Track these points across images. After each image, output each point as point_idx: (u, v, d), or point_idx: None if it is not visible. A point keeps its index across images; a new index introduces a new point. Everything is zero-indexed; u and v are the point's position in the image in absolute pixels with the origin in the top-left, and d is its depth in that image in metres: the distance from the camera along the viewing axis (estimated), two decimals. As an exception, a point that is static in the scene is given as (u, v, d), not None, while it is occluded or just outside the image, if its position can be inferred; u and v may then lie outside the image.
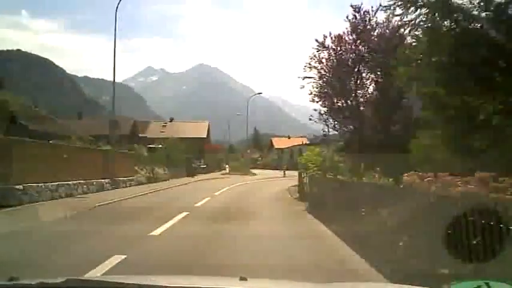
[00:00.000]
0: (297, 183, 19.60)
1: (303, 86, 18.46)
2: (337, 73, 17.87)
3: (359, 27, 17.43)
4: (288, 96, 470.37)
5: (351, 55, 17.99)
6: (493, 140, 7.02)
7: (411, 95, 12.59)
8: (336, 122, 18.45)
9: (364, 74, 18.37)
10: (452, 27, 7.72)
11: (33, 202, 12.20)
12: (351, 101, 17.80)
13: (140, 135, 48.46)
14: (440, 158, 8.61)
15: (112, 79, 22.43)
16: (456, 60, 7.51)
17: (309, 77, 18.26)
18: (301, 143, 70.81)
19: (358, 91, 18.00)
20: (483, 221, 3.55)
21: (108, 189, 18.52)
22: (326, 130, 19.09)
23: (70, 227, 8.49)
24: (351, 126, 18.28)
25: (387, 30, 17.08)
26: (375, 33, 17.76)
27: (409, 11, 7.88)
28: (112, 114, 23.71)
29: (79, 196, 14.96)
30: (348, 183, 9.00)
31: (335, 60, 17.92)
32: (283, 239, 7.43)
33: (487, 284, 1.71)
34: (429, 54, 8.16)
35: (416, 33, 8.37)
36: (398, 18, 8.86)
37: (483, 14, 7.56)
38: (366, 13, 17.35)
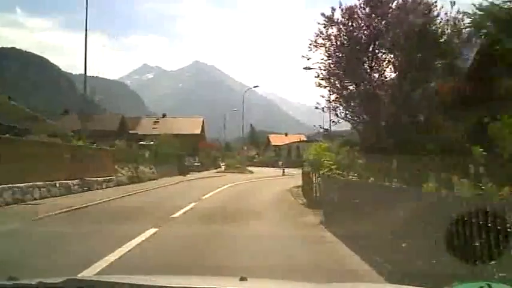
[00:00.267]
0: (299, 183, 16.97)
1: (308, 68, 15.55)
2: (349, 52, 14.95)
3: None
4: (285, 94, 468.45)
5: (365, 31, 15.09)
6: None
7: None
8: (347, 112, 15.52)
9: (380, 55, 15.47)
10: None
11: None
12: (364, 85, 14.88)
13: (131, 131, 46.10)
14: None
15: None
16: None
17: (313, 61, 15.31)
18: (298, 140, 68.21)
19: (374, 74, 15.08)
20: (484, 223, 3.29)
21: (78, 192, 15.60)
22: (334, 121, 16.22)
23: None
24: (365, 116, 15.35)
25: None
26: (393, 5, 14.90)
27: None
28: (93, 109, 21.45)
29: (32, 202, 11.97)
30: (406, 192, 5.36)
31: (345, 38, 15.01)
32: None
33: (488, 285, 1.66)
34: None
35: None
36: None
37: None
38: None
